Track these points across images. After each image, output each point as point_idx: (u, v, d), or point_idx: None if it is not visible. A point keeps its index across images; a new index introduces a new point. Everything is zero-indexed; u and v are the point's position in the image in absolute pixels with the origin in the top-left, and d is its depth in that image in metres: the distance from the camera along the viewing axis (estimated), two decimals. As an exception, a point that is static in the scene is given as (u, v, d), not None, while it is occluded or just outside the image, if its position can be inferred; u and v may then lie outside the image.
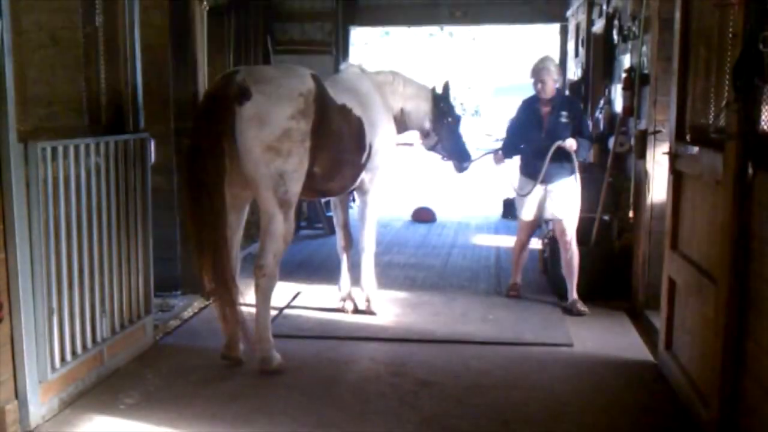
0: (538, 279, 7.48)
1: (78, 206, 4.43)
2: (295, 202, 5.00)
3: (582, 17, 10.06)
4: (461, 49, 28.75)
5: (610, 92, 7.90)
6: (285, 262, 8.14)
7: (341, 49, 11.93)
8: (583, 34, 9.87)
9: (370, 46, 28.03)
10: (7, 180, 3.86)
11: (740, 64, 3.54)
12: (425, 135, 6.68)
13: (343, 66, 6.33)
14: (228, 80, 4.81)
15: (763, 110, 3.53)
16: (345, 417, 4.28)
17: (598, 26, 8.70)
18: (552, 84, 6.29)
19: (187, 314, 6.20)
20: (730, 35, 3.94)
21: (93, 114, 4.99)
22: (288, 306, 6.48)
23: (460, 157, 6.75)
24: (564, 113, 6.30)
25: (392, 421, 4.24)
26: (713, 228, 4.06)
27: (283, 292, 6.82)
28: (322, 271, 7.84)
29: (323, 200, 9.96)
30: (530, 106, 6.53)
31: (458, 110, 6.87)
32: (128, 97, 5.14)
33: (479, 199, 13.28)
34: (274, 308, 6.25)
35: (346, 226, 6.36)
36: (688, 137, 4.75)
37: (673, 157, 4.84)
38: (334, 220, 6.58)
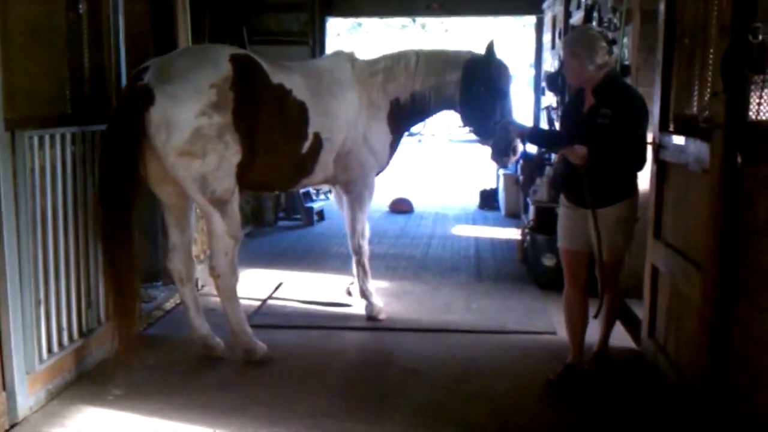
0: (517, 268, 7.55)
1: (64, 196, 4.38)
2: (231, 197, 4.68)
3: (559, 9, 10.12)
4: (434, 41, 28.75)
5: (588, 83, 7.94)
6: (265, 252, 8.27)
7: (318, 40, 11.89)
8: (560, 25, 9.92)
9: (342, 38, 27.98)
10: (-6, 169, 3.81)
11: (729, 55, 3.60)
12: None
13: (330, 53, 5.72)
14: (134, 82, 4.47)
15: (752, 100, 3.60)
16: (335, 405, 4.28)
17: (576, 18, 8.75)
18: (579, 70, 4.39)
19: (169, 305, 6.17)
20: (718, 27, 4.00)
21: (76, 103, 4.93)
22: (270, 297, 6.45)
23: (491, 138, 5.33)
24: (604, 110, 4.29)
25: (383, 409, 4.25)
26: (699, 216, 4.12)
27: (265, 282, 6.83)
28: (304, 261, 7.87)
29: (301, 191, 9.99)
30: (578, 94, 4.61)
31: (505, 79, 5.54)
32: (112, 86, 5.09)
33: (456, 190, 13.33)
34: (256, 299, 6.27)
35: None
36: (671, 127, 4.81)
37: (657, 147, 4.90)
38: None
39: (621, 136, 4.24)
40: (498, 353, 5.16)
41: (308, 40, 11.67)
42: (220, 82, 4.54)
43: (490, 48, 5.48)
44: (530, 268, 7.19)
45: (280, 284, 6.84)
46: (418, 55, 5.61)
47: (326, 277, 7.15)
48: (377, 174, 5.78)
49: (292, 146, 5.06)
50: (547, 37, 11.67)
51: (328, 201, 11.39)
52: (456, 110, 5.68)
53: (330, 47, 12.39)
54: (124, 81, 5.14)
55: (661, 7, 4.94)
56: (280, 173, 5.16)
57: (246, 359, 4.90)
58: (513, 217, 10.30)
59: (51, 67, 4.76)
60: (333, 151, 5.33)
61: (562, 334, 5.47)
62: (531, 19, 13.04)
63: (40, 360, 4.16)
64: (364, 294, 5.87)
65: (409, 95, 5.56)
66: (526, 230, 7.53)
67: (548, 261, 6.77)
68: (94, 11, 4.98)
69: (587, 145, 4.24)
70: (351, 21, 25.95)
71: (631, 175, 4.46)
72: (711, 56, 4.31)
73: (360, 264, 5.82)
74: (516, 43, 19.61)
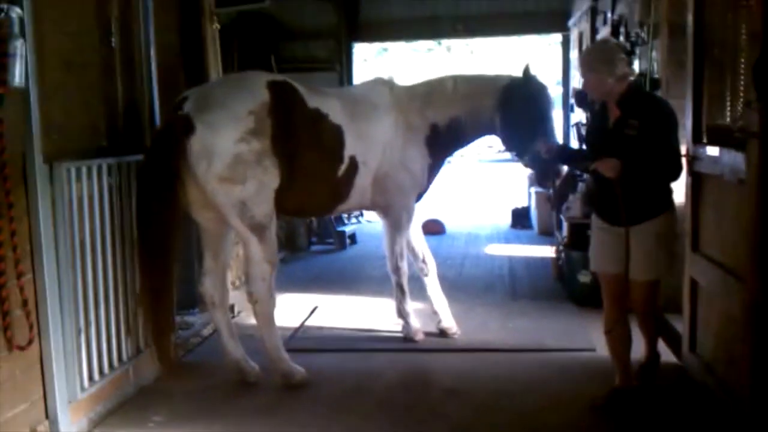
0: (552, 285, 7.50)
1: (102, 226, 4.46)
2: (269, 223, 4.76)
3: (585, 26, 10.14)
4: (460, 63, 28.89)
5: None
6: (299, 277, 8.29)
7: (345, 65, 12.03)
8: (587, 42, 9.93)
9: (369, 63, 28.17)
10: (34, 200, 3.89)
11: (761, 63, 3.58)
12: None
13: (369, 79, 5.87)
14: (175, 112, 4.63)
15: (786, 108, 3.56)
16: (376, 427, 4.29)
17: (603, 34, 8.75)
18: (599, 84, 4.24)
19: (206, 332, 6.19)
20: (748, 35, 3.97)
21: (111, 135, 5.01)
22: (306, 321, 6.47)
23: (533, 161, 5.24)
24: (632, 120, 4.16)
25: (423, 430, 4.24)
26: (737, 227, 4.07)
27: (300, 307, 6.85)
28: (337, 284, 7.89)
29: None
30: (602, 108, 4.45)
31: (544, 102, 5.44)
32: (146, 118, 5.19)
33: (487, 210, 13.28)
34: (288, 328, 6.26)
35: (413, 249, 5.94)
36: (704, 139, 4.78)
37: (691, 159, 4.86)
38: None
39: (652, 146, 4.07)
40: (537, 372, 5.12)
41: (335, 66, 11.82)
42: (258, 108, 4.64)
43: (527, 71, 5.44)
44: (566, 286, 7.13)
45: (315, 308, 6.85)
46: (456, 80, 5.61)
47: (362, 300, 7.17)
48: (418, 199, 5.77)
49: (329, 169, 5.10)
50: (574, 54, 11.68)
51: (360, 224, 11.44)
52: (497, 135, 5.60)
53: (357, 72, 12.54)
54: (157, 112, 5.25)
55: (689, 18, 4.92)
56: (317, 198, 5.19)
57: (284, 384, 4.91)
58: (546, 234, 10.23)
59: (85, 100, 4.84)
60: (369, 175, 5.34)
61: (602, 351, 5.42)
62: (557, 37, 13.04)
63: (82, 388, 4.21)
64: (401, 314, 5.84)
65: (448, 120, 5.53)
66: (561, 247, 7.48)
67: (584, 278, 6.70)
68: (126, 44, 5.08)
69: (617, 157, 4.08)
70: (377, 46, 26.20)
71: (667, 187, 4.27)
72: (742, 65, 4.30)
73: (398, 285, 5.77)
74: (543, 62, 19.62)
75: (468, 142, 5.91)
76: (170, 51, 6.09)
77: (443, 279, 7.89)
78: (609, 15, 8.30)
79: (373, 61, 28.62)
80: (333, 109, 5.12)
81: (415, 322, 5.88)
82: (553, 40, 14.05)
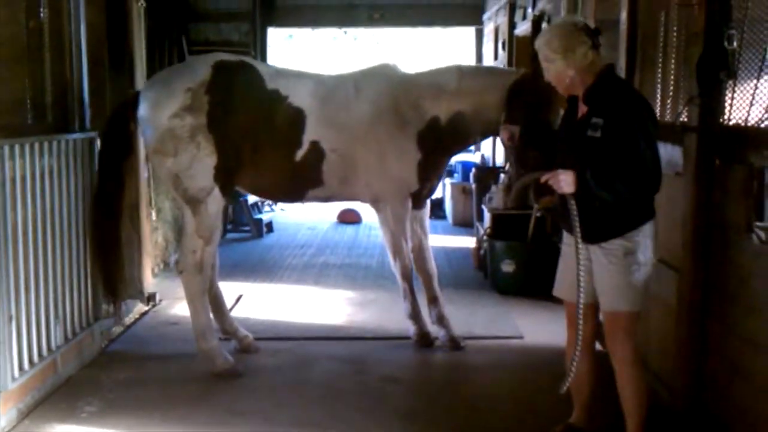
0: (474, 275, 7.62)
1: (33, 208, 4.25)
2: (205, 197, 4.71)
3: (502, 20, 10.29)
4: (365, 53, 28.88)
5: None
6: (218, 264, 8.08)
7: (259, 50, 11.85)
8: (503, 36, 10.09)
9: (275, 49, 27.82)
10: (-37, 180, 3.67)
11: (703, 61, 3.73)
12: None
13: (375, 64, 5.36)
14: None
15: (726, 103, 3.74)
16: (318, 414, 4.25)
17: (522, 29, 8.92)
18: (559, 76, 3.49)
19: (129, 320, 6.01)
20: (687, 34, 4.13)
21: (37, 112, 4.80)
22: (232, 309, 6.34)
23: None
24: (596, 120, 3.38)
25: (366, 416, 4.23)
26: (671, 218, 4.23)
27: (225, 295, 6.71)
28: (259, 272, 7.80)
29: (250, 202, 9.90)
30: (571, 102, 3.65)
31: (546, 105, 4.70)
32: (74, 95, 4.97)
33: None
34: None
35: (415, 249, 5.50)
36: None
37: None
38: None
39: (617, 150, 3.29)
40: (469, 358, 5.21)
41: (249, 50, 11.57)
42: (196, 86, 4.72)
43: (537, 67, 4.48)
44: (489, 275, 7.23)
45: (241, 296, 6.74)
46: (462, 71, 5.21)
47: (286, 288, 7.12)
48: (417, 199, 5.34)
49: (282, 152, 4.91)
50: (487, 48, 11.86)
51: (273, 213, 11.32)
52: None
53: (269, 58, 12.41)
54: (86, 88, 5.07)
55: (623, 15, 5.08)
56: (274, 179, 5.06)
57: (203, 364, 4.82)
58: (462, 225, 10.39)
59: (11, 75, 4.62)
60: (344, 164, 5.03)
61: (530, 339, 5.58)
62: (471, 31, 13.22)
63: (12, 378, 4.00)
64: (414, 318, 5.45)
65: (450, 115, 5.06)
66: (483, 237, 7.60)
67: (507, 267, 6.84)
68: (55, 18, 4.84)
69: (579, 164, 3.33)
70: (286, 32, 25.89)
71: (644, 198, 3.44)
72: (672, 63, 4.48)
73: (403, 286, 5.43)
74: (455, 55, 19.84)
75: (472, 142, 5.50)
76: (93, 27, 5.81)
77: (366, 269, 7.97)
78: (529, 10, 8.44)
79: (279, 47, 28.30)
80: (297, 92, 4.90)
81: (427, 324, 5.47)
82: (467, 33, 14.16)
